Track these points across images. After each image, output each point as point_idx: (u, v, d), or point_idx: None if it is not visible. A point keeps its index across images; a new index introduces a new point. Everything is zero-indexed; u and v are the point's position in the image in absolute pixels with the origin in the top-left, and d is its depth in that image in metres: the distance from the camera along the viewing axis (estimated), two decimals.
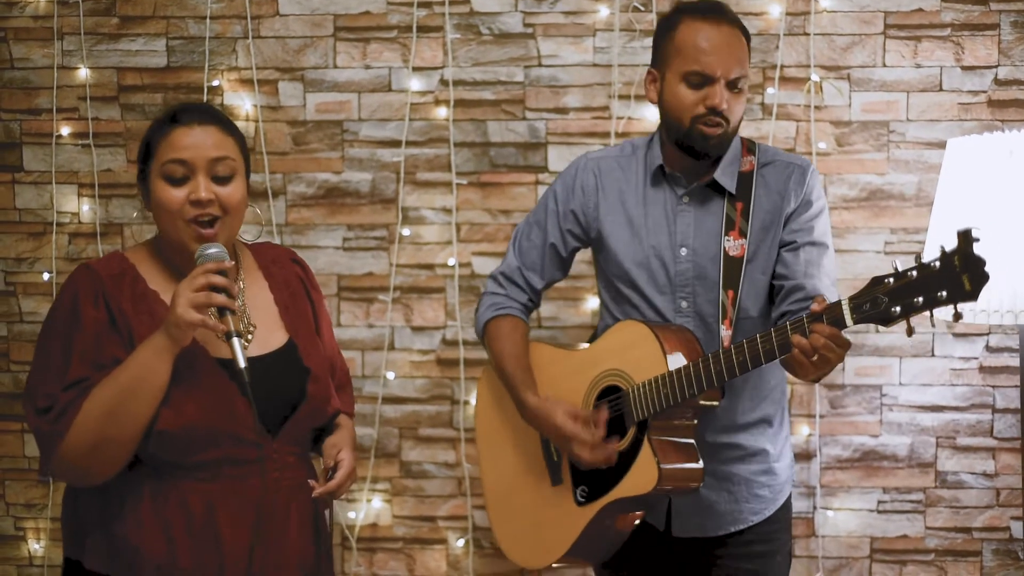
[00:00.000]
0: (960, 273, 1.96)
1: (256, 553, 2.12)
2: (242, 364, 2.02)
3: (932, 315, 2.04)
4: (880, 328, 3.20)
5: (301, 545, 2.21)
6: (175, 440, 2.07)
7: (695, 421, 2.51)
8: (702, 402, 2.45)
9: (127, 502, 2.10)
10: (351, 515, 3.35)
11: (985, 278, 1.96)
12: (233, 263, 2.14)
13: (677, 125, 2.50)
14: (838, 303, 2.15)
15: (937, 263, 1.99)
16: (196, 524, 2.10)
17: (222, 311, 2.04)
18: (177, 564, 2.09)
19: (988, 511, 3.24)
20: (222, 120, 2.18)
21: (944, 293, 1.98)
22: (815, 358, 2.19)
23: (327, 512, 2.33)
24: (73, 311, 2.09)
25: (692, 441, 2.50)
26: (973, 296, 1.96)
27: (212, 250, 2.08)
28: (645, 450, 2.46)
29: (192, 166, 2.09)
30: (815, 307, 2.18)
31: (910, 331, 2.06)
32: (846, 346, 2.20)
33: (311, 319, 2.34)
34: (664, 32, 2.54)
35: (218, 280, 2.03)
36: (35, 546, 3.45)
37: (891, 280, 2.06)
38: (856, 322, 2.12)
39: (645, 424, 2.48)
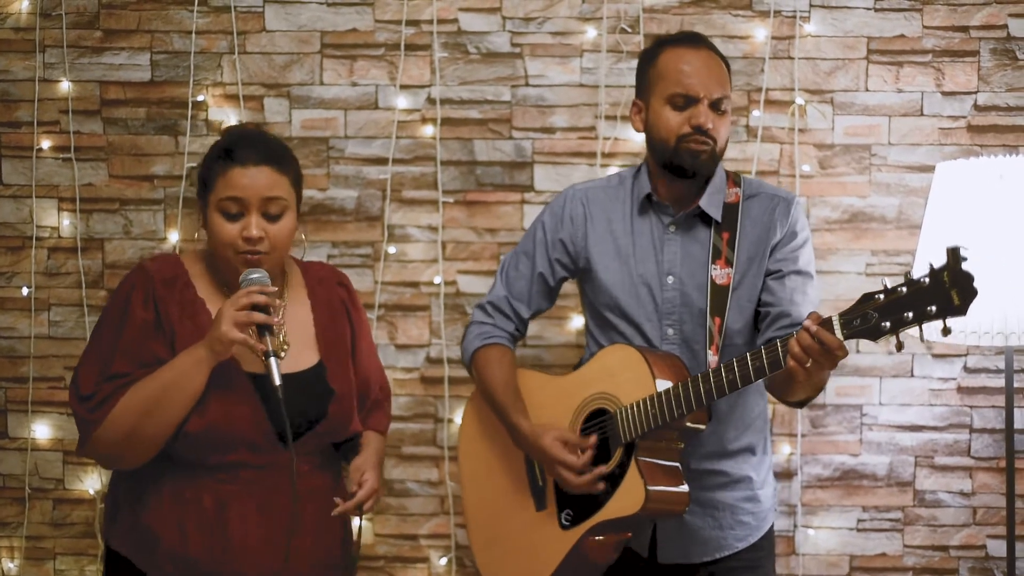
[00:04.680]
0: (949, 288, 2.00)
1: (268, 550, 2.29)
2: (277, 382, 2.19)
3: (921, 330, 2.07)
4: (860, 348, 3.24)
5: (318, 548, 2.36)
6: (197, 441, 2.25)
7: (681, 444, 2.52)
8: (689, 424, 2.46)
9: (151, 491, 2.30)
10: None
11: (974, 293, 1.99)
12: (276, 289, 2.27)
13: (663, 147, 2.55)
14: (828, 319, 2.17)
15: (926, 279, 2.03)
16: (207, 519, 2.27)
17: (262, 331, 2.18)
18: (188, 554, 2.28)
19: (965, 529, 3.29)
20: (276, 158, 2.29)
21: (933, 308, 2.01)
22: (809, 364, 2.20)
23: (355, 521, 2.48)
24: (124, 309, 2.27)
25: (678, 464, 2.52)
26: (962, 311, 2.00)
27: (255, 275, 2.26)
28: (632, 471, 2.47)
29: (246, 204, 2.22)
30: (807, 323, 2.20)
31: (899, 346, 2.09)
32: (838, 347, 2.17)
33: (347, 342, 2.45)
34: (646, 62, 2.61)
35: (260, 299, 2.20)
36: (9, 565, 3.39)
37: (881, 296, 2.09)
38: (846, 337, 2.14)
39: (632, 446, 2.49)
